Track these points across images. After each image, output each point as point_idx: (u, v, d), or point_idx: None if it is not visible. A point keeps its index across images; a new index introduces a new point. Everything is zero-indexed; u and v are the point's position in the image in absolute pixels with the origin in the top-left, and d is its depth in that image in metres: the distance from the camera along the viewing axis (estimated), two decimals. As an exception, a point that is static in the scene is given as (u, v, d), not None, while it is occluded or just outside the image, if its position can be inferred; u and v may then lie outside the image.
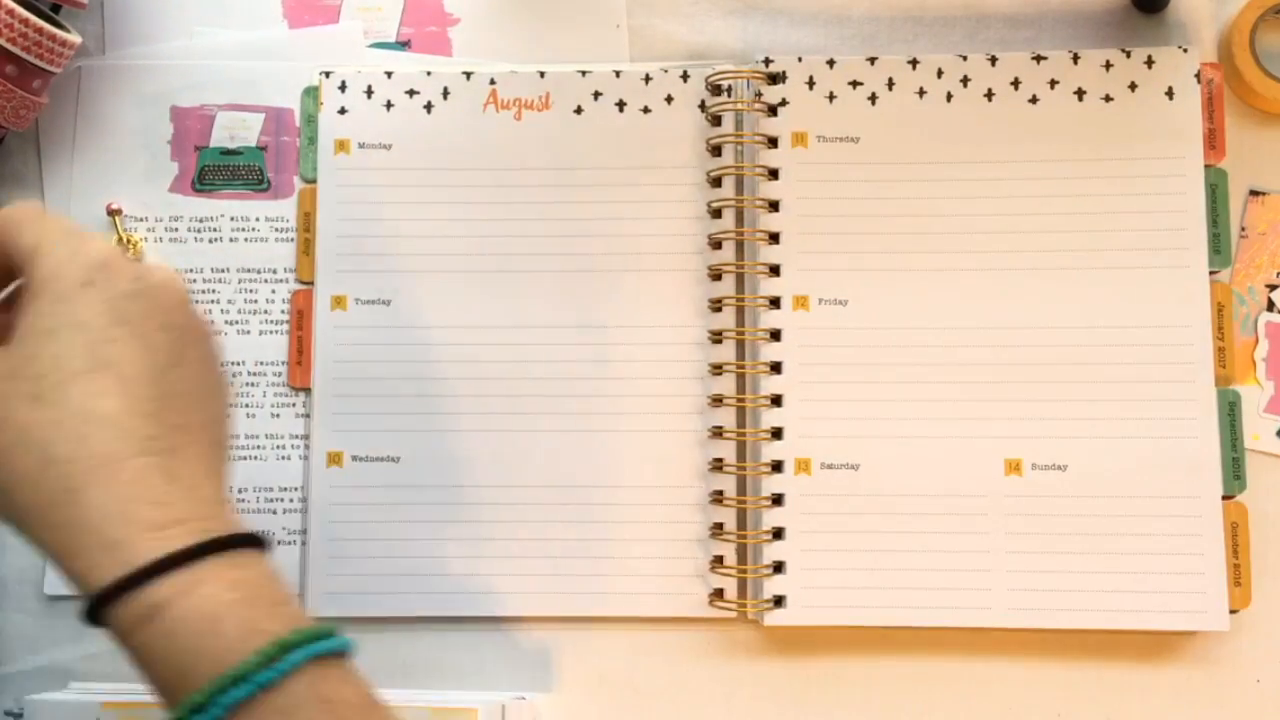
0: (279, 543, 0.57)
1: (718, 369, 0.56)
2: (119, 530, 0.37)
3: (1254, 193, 0.57)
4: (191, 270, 0.59)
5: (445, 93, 0.59)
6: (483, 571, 0.56)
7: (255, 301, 0.58)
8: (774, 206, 0.57)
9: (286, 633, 0.37)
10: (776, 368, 0.56)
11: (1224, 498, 0.55)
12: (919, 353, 0.56)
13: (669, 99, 0.58)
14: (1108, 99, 0.57)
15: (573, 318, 0.57)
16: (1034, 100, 0.57)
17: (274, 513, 0.57)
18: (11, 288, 0.42)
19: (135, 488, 0.37)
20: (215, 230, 0.59)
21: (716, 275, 0.57)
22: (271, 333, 0.58)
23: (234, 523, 0.39)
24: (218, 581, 0.37)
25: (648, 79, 0.58)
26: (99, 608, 0.37)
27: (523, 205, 0.58)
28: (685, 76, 0.58)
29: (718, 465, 0.56)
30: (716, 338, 0.57)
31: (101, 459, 0.37)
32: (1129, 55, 0.57)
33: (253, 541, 0.39)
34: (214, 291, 0.58)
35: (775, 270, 0.57)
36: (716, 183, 0.57)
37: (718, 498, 0.56)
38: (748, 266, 0.57)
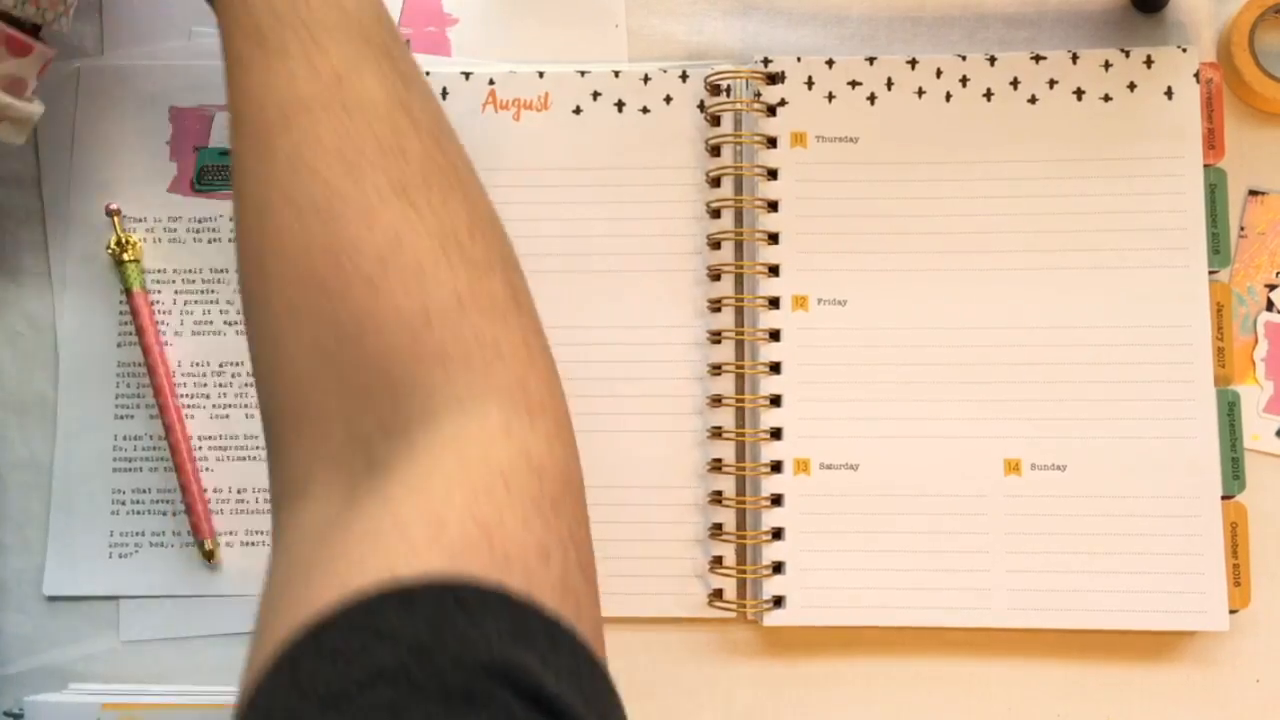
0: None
1: (717, 369, 0.56)
2: None
3: (1253, 192, 0.57)
4: (191, 270, 0.59)
5: (444, 93, 0.59)
6: (482, 572, 0.56)
7: (254, 302, 0.58)
8: (773, 207, 0.57)
9: None
10: (776, 368, 0.56)
11: (1223, 498, 0.55)
12: (918, 353, 0.56)
13: (668, 99, 0.58)
14: (1107, 99, 0.57)
15: (572, 318, 0.57)
16: (1033, 100, 0.57)
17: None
18: None
19: None
20: (214, 230, 0.59)
21: (715, 275, 0.57)
22: (270, 333, 0.58)
23: None
24: None
25: (647, 79, 0.58)
26: None
27: (522, 205, 0.58)
28: (684, 76, 0.58)
29: (717, 465, 0.56)
30: (715, 338, 0.57)
31: None
32: (1128, 55, 0.57)
33: None
34: (213, 292, 0.58)
35: (774, 270, 0.56)
36: (715, 183, 0.57)
37: (717, 498, 0.56)
38: (747, 267, 0.57)
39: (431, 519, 0.33)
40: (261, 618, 0.35)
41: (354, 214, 0.37)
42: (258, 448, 0.58)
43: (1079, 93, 0.57)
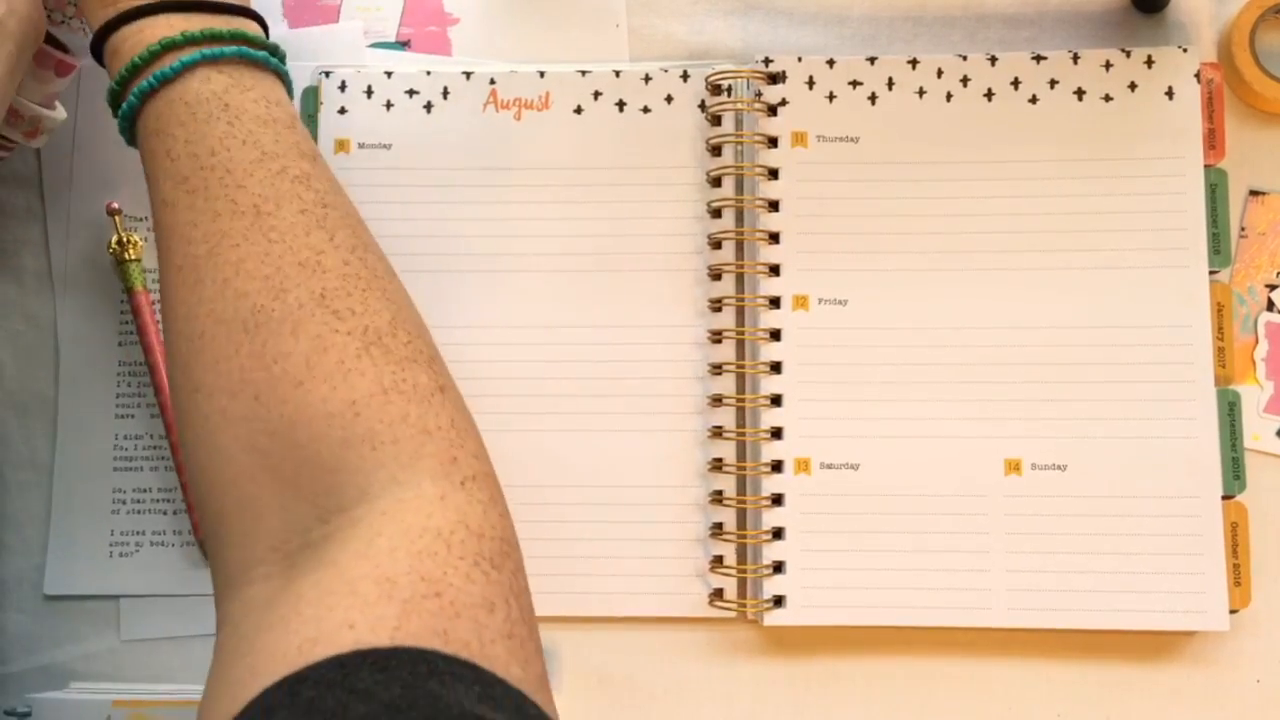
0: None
1: (717, 369, 0.56)
2: None
3: (1254, 193, 0.57)
4: (191, 270, 0.59)
5: (445, 92, 0.59)
6: (482, 571, 0.56)
7: (255, 301, 0.58)
8: (774, 206, 0.57)
9: (178, 34, 0.45)
10: (776, 367, 0.56)
11: (1224, 498, 0.55)
12: (919, 353, 0.56)
13: (669, 99, 0.58)
14: (1108, 99, 0.57)
15: (573, 318, 0.57)
16: (1034, 100, 0.57)
17: (274, 513, 0.57)
18: None
19: None
20: (215, 230, 0.59)
21: (716, 275, 0.57)
22: (271, 333, 0.58)
23: None
24: (168, 25, 0.46)
25: (648, 79, 0.58)
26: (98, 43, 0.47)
27: (523, 205, 0.58)
28: (685, 76, 0.58)
29: (717, 465, 0.56)
30: (716, 337, 0.57)
31: None
32: (1129, 55, 0.57)
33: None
34: (214, 291, 0.58)
35: (775, 270, 0.57)
36: (716, 182, 0.57)
37: (717, 498, 0.56)
38: (747, 266, 0.57)
39: (380, 578, 0.35)
40: (213, 684, 0.37)
41: (280, 326, 0.41)
42: (258, 447, 0.58)
43: (1080, 93, 0.57)
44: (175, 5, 0.47)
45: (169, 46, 0.45)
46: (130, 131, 0.47)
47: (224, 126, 0.44)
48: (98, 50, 0.48)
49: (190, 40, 0.45)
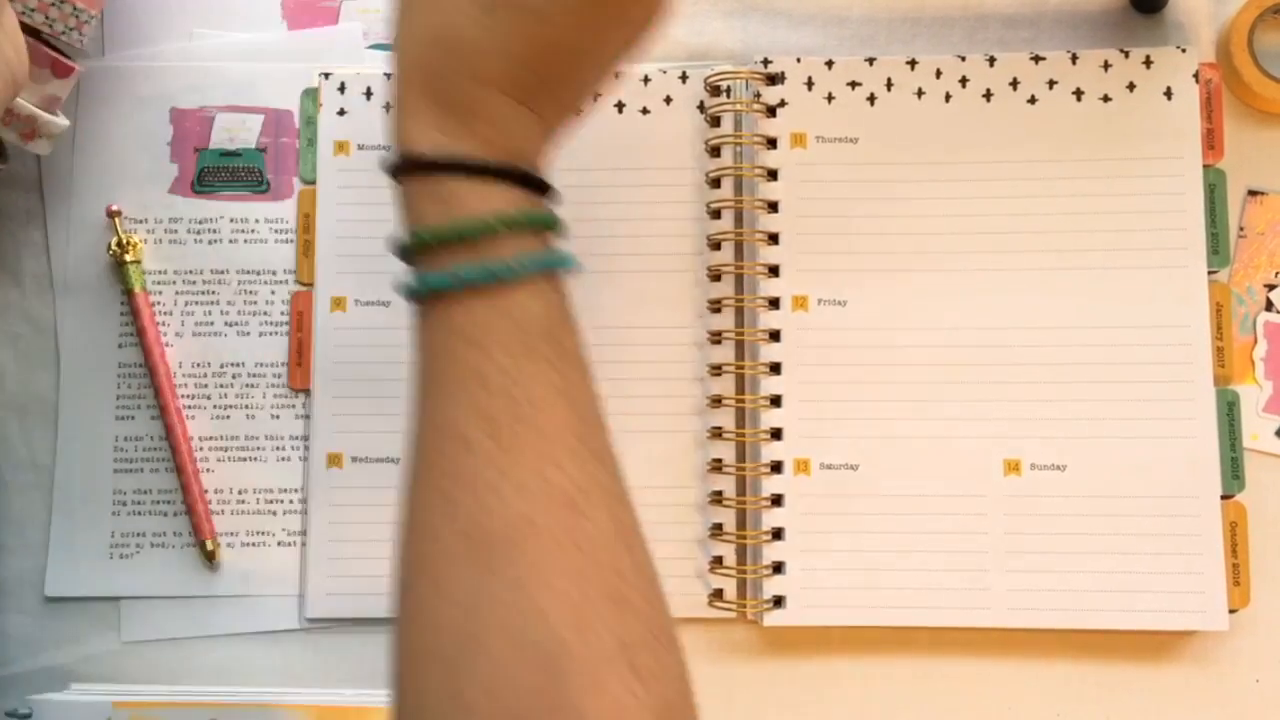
0: (279, 544, 0.57)
1: (717, 370, 0.56)
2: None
3: (1252, 193, 0.57)
4: (191, 272, 0.59)
5: (444, 94, 0.59)
6: (482, 572, 0.56)
7: (255, 303, 0.58)
8: (773, 207, 0.57)
9: (513, 211, 0.37)
10: (776, 368, 0.56)
11: (1223, 497, 0.55)
12: (918, 353, 0.56)
13: (668, 100, 0.58)
14: (1106, 99, 0.57)
15: (572, 319, 0.57)
16: (1032, 100, 0.57)
17: (274, 514, 0.57)
18: None
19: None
20: (215, 232, 0.59)
21: (715, 276, 0.57)
22: (271, 334, 0.58)
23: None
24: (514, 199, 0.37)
25: (646, 80, 0.58)
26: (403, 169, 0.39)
27: (522, 206, 0.58)
28: (684, 77, 0.58)
29: (717, 466, 0.56)
30: (716, 338, 0.57)
31: None
32: (1127, 55, 0.57)
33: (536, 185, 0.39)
34: (213, 293, 0.58)
35: (774, 271, 0.57)
36: (715, 184, 0.57)
37: (717, 498, 0.56)
38: (747, 267, 0.57)
39: None
40: None
41: (581, 676, 0.33)
42: (258, 449, 0.58)
43: (1078, 93, 0.57)
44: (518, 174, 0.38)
45: (522, 225, 0.37)
46: (419, 295, 0.37)
47: (546, 369, 0.36)
48: (404, 160, 0.39)
49: (545, 226, 0.38)
